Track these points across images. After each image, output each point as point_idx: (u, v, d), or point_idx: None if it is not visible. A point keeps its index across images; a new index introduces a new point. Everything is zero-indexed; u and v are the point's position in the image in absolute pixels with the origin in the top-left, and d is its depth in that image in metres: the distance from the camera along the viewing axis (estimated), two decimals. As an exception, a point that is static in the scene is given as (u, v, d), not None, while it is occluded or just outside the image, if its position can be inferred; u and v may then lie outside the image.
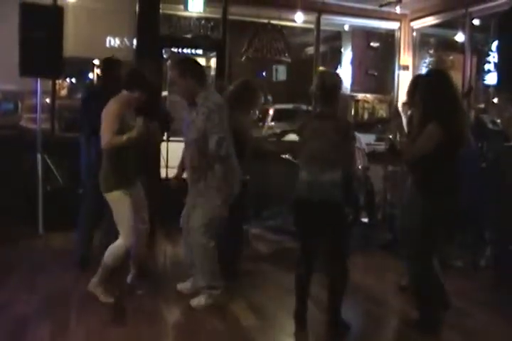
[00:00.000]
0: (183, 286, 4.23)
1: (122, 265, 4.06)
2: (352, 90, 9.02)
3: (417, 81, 4.14)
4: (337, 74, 3.92)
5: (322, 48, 8.56)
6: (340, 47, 9.44)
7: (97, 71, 6.56)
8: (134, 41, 7.10)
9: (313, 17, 8.22)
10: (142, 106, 3.98)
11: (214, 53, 8.05)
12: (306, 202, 3.54)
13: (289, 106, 8.58)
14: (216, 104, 3.83)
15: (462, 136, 3.56)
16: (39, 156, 5.74)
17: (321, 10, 8.18)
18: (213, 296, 3.94)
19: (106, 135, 3.76)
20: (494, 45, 6.63)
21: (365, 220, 5.95)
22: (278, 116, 9.49)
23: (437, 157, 3.48)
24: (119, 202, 3.90)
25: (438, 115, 3.48)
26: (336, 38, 9.50)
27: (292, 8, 7.67)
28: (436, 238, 3.63)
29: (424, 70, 8.38)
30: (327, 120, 3.57)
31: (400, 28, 8.69)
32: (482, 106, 7.34)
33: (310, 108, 4.01)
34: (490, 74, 6.94)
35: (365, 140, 6.11)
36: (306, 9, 7.87)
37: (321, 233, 3.60)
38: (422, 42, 8.78)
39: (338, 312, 3.61)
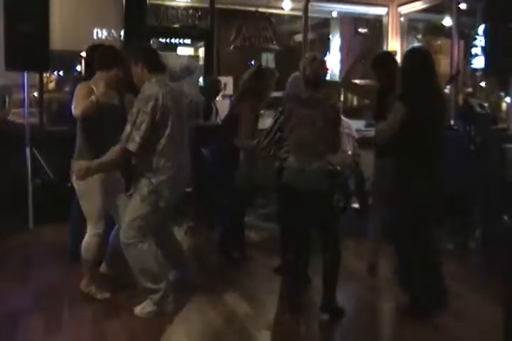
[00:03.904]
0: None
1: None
2: (341, 77, 8.99)
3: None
4: (324, 59, 3.92)
5: (310, 35, 8.50)
6: (329, 34, 9.40)
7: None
8: (122, 32, 7.06)
9: (300, 4, 8.17)
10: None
11: (202, 43, 8.03)
12: (293, 189, 3.56)
13: (277, 94, 8.53)
14: (143, 96, 3.48)
15: (427, 116, 3.52)
16: (28, 150, 5.73)
17: (308, -3, 8.14)
18: (156, 302, 3.59)
19: (75, 110, 3.65)
20: (481, 29, 6.62)
21: (356, 206, 5.98)
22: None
23: (408, 139, 3.48)
24: (85, 187, 3.77)
25: (403, 94, 3.50)
26: (324, 25, 9.45)
27: (280, -5, 7.64)
28: (422, 221, 3.66)
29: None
30: (315, 107, 3.56)
31: (387, 14, 8.67)
32: (470, 89, 7.36)
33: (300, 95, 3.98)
34: (477, 58, 6.94)
35: (355, 126, 6.11)
36: (294, -4, 7.84)
37: (307, 220, 3.62)
38: (409, 28, 8.76)
39: (333, 298, 3.63)
